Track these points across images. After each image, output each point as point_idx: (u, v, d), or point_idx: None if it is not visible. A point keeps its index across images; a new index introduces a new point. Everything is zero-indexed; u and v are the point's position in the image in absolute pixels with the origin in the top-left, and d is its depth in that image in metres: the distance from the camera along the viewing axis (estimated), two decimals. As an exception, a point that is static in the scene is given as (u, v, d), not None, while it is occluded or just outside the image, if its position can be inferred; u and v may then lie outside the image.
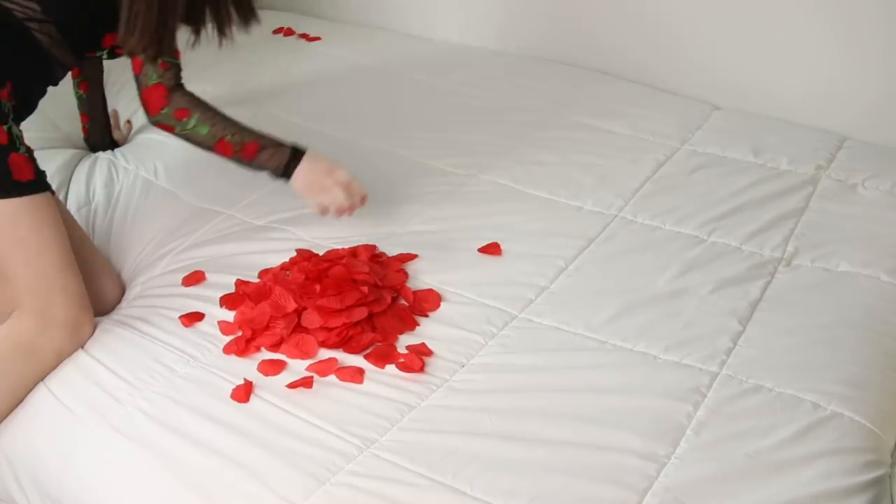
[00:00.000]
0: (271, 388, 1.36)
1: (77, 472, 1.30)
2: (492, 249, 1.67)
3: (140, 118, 2.21)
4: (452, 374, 1.40)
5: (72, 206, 1.86)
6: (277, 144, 1.64)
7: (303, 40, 2.69)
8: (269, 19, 2.84)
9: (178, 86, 1.62)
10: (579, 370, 1.39)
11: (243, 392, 1.35)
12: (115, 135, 2.15)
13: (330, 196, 1.65)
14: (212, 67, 2.32)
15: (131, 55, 1.57)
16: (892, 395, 1.37)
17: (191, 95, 1.62)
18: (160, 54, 1.55)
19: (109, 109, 2.20)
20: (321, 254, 1.63)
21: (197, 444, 1.27)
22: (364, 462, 1.24)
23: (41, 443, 1.35)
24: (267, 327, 1.46)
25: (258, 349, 1.44)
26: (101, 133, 2.10)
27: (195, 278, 1.62)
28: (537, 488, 1.18)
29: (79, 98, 2.05)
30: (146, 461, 1.26)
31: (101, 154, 2.08)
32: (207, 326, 1.50)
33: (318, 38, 2.68)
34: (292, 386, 1.36)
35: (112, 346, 1.47)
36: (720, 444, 1.26)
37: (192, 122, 1.60)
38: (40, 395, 1.40)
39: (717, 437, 1.27)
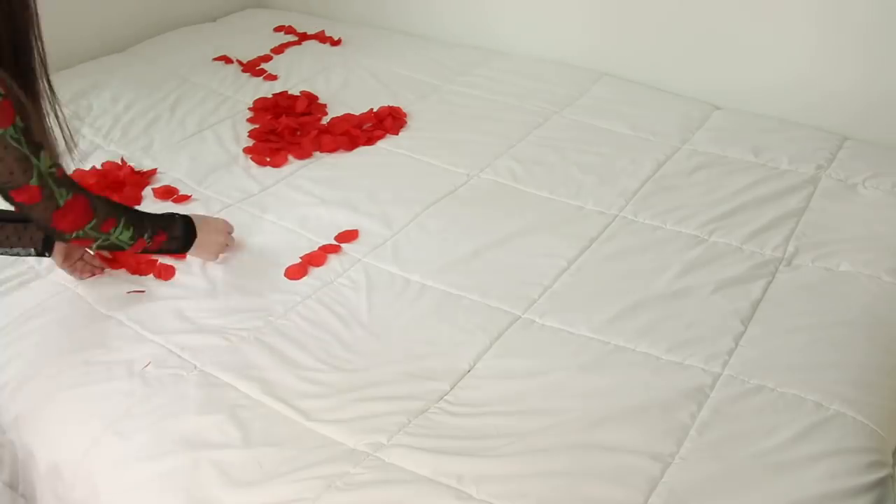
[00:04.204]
0: (279, 392, 1.36)
1: (83, 475, 1.29)
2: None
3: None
4: (458, 375, 1.40)
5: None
6: (171, 224, 1.48)
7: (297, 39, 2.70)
8: (269, 17, 2.85)
9: (85, 190, 1.32)
10: (583, 371, 1.40)
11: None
12: None
13: (225, 247, 1.62)
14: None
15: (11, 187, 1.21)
16: (894, 394, 1.37)
17: (102, 198, 1.35)
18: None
19: None
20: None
21: (202, 447, 1.27)
22: (370, 465, 1.24)
23: (49, 449, 1.35)
24: None
25: None
26: None
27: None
28: (543, 490, 1.18)
29: None
30: (151, 465, 1.26)
31: None
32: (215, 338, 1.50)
33: (315, 37, 2.68)
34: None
35: (112, 344, 1.47)
36: (724, 445, 1.26)
37: (119, 229, 1.34)
38: (46, 397, 1.40)
39: (721, 437, 1.27)
